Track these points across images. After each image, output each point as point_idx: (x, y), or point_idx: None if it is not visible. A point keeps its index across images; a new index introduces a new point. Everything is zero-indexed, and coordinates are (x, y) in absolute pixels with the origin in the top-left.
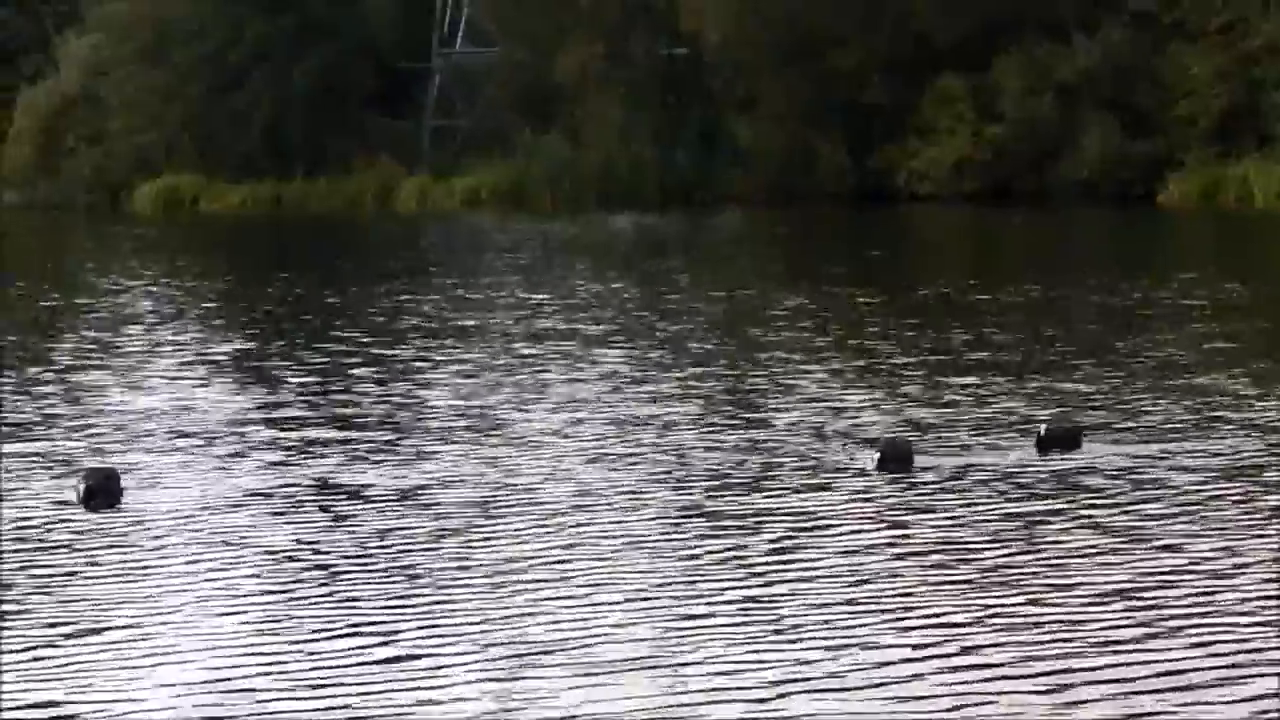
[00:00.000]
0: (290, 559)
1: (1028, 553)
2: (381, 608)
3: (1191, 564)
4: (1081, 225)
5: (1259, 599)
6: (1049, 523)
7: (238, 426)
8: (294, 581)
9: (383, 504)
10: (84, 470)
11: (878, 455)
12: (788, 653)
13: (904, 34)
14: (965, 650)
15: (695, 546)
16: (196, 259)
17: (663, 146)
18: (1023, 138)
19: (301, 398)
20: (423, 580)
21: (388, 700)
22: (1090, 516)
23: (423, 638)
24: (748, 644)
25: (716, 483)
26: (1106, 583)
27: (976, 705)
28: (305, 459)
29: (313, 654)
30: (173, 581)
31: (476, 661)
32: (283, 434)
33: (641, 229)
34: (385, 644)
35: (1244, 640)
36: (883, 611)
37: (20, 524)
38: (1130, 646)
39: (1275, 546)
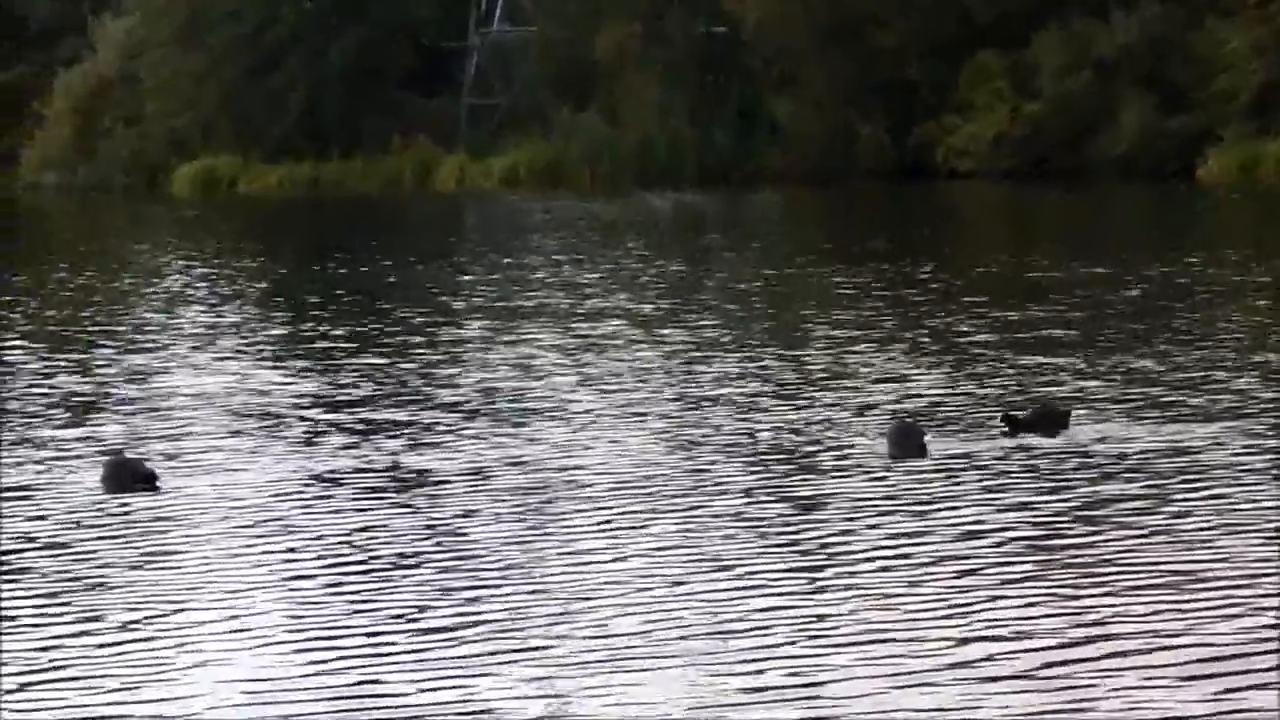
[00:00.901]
0: (347, 546)
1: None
2: (440, 597)
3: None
4: (1121, 201)
5: None
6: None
7: (295, 409)
8: (349, 570)
9: (443, 488)
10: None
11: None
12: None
13: (944, 11)
14: (1059, 646)
15: (761, 530)
16: (240, 240)
17: (701, 125)
18: (1060, 114)
19: (360, 379)
20: (483, 567)
21: (444, 694)
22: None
23: (479, 626)
24: (820, 637)
25: (782, 463)
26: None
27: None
28: (365, 442)
29: (365, 646)
30: (219, 569)
31: (536, 654)
32: (342, 417)
33: (682, 208)
34: (445, 638)
35: None
36: (967, 599)
37: (58, 511)
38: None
39: None
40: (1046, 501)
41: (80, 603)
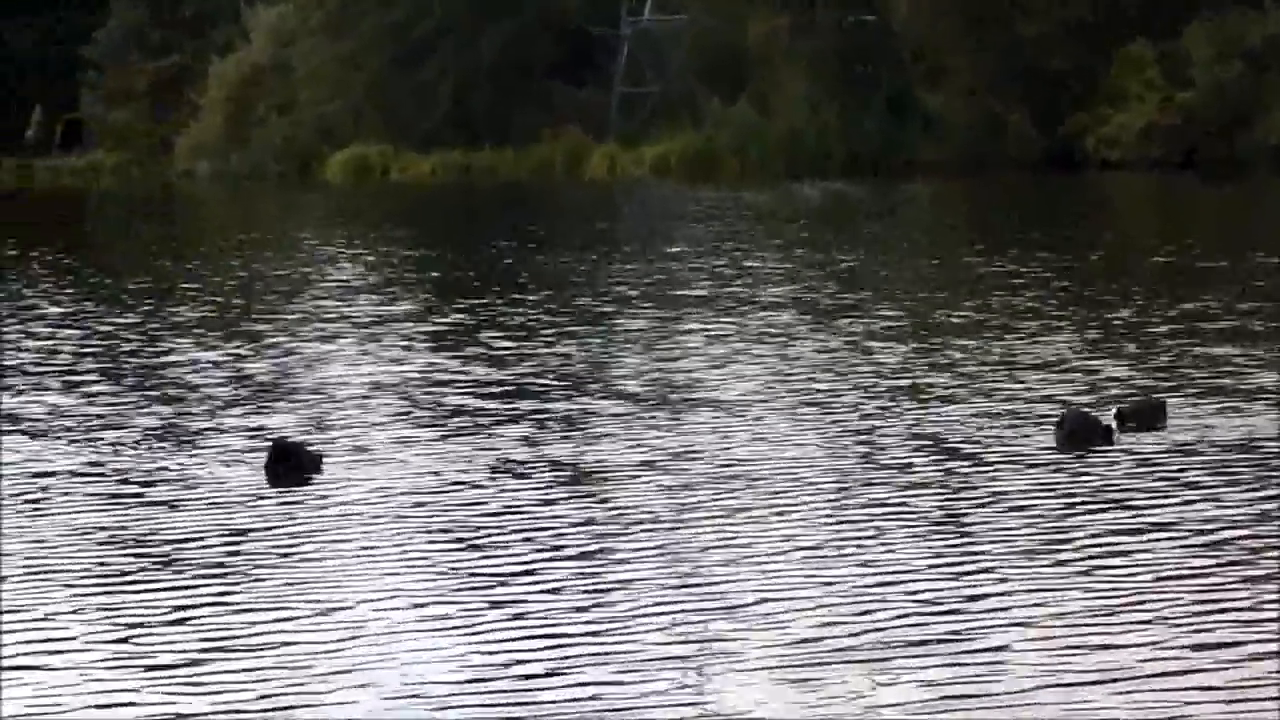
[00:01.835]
0: (507, 538)
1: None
2: (578, 596)
3: None
4: (1277, 192)
5: None
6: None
7: (464, 398)
8: (506, 561)
9: (618, 480)
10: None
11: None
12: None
13: (1093, 0)
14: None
15: (926, 531)
16: (399, 227)
17: (850, 115)
18: (1212, 104)
19: (530, 368)
20: (618, 565)
21: (571, 694)
22: None
23: (614, 627)
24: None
25: (955, 455)
26: None
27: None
28: (536, 432)
29: (495, 646)
30: (378, 560)
31: (666, 656)
32: (512, 406)
33: (832, 198)
34: (574, 638)
35: None
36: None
37: (216, 499)
38: None
39: None
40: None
41: (240, 592)
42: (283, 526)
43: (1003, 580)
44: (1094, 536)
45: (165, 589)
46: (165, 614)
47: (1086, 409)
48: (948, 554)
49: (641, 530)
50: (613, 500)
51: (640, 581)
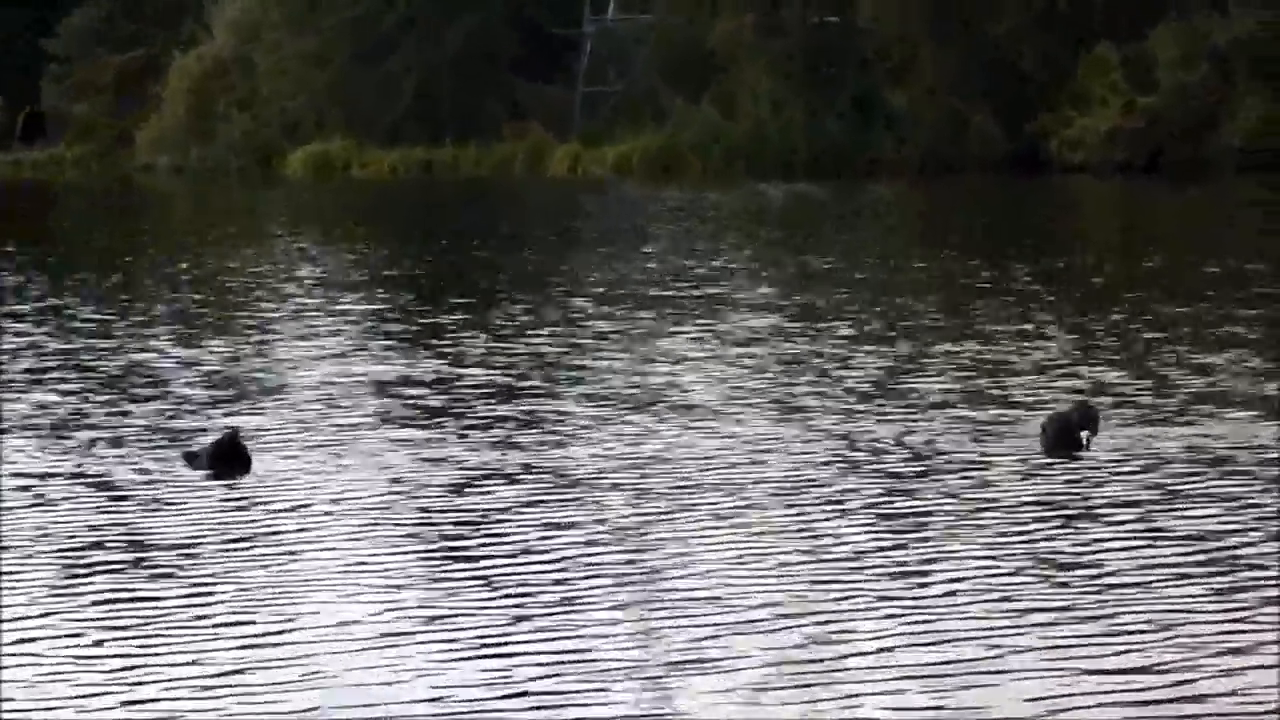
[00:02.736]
0: (466, 546)
1: None
2: (541, 601)
3: None
4: (1241, 196)
5: None
6: None
7: (427, 398)
8: (459, 566)
9: (589, 483)
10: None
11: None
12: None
13: (1060, 1)
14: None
15: (924, 528)
16: (360, 224)
17: (814, 115)
18: (1176, 107)
19: (490, 367)
20: (587, 569)
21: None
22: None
23: (581, 634)
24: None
25: (937, 460)
26: None
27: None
28: (502, 433)
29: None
30: (328, 566)
31: (631, 662)
32: (473, 406)
33: (796, 198)
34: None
35: None
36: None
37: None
38: None
39: None
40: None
41: (193, 595)
42: (242, 525)
43: (986, 587)
44: (1083, 541)
45: (127, 590)
46: (125, 616)
47: (1068, 414)
48: (929, 561)
49: (612, 535)
50: (583, 504)
51: (609, 587)
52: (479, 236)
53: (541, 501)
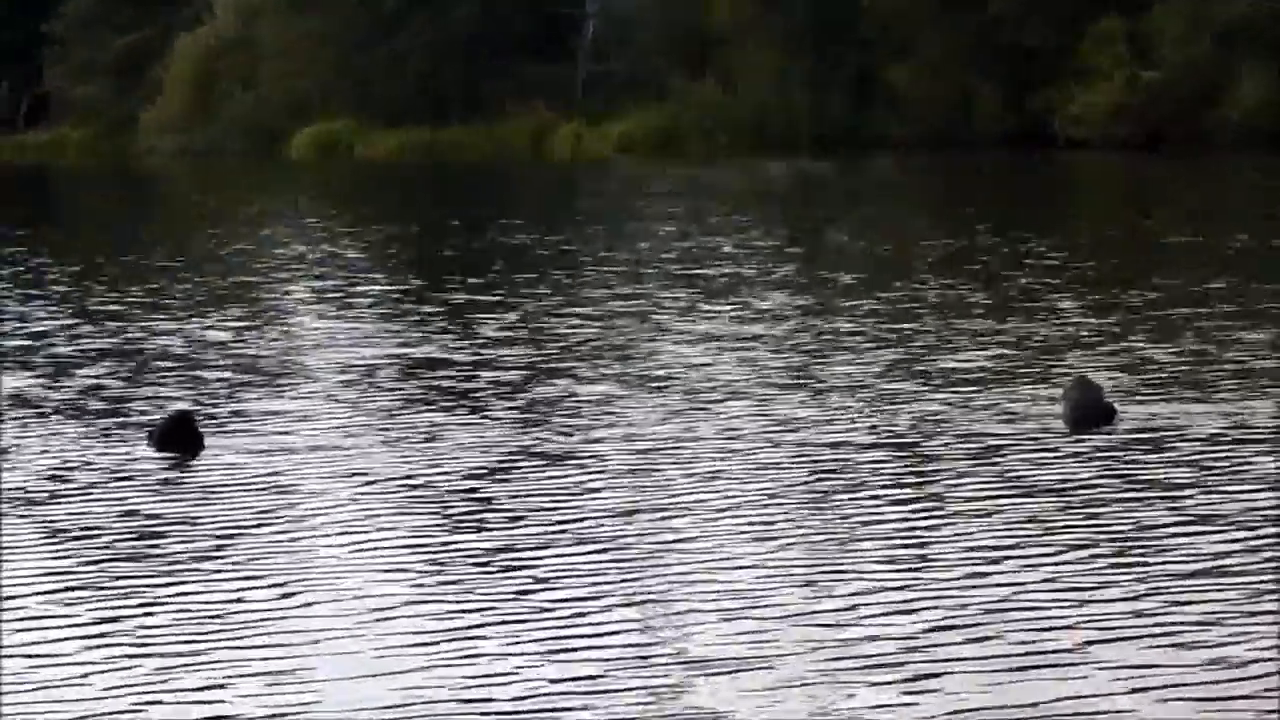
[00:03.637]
0: (475, 530)
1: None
2: (553, 590)
3: None
4: (1253, 172)
5: None
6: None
7: (439, 379)
8: (473, 549)
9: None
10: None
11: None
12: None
13: None
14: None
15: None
16: (369, 204)
17: (817, 91)
18: (1180, 83)
19: (510, 349)
20: (612, 554)
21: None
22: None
23: (577, 624)
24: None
25: (962, 436)
26: None
27: None
28: (516, 415)
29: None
30: (343, 550)
31: (656, 655)
32: (485, 388)
33: (801, 175)
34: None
35: None
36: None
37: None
38: None
39: None
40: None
41: (217, 580)
42: (260, 510)
43: (1024, 568)
44: (1120, 522)
45: (145, 578)
46: (144, 606)
47: (1094, 389)
48: (953, 543)
49: (636, 517)
50: (606, 487)
51: (633, 572)
52: (489, 216)
53: (565, 484)
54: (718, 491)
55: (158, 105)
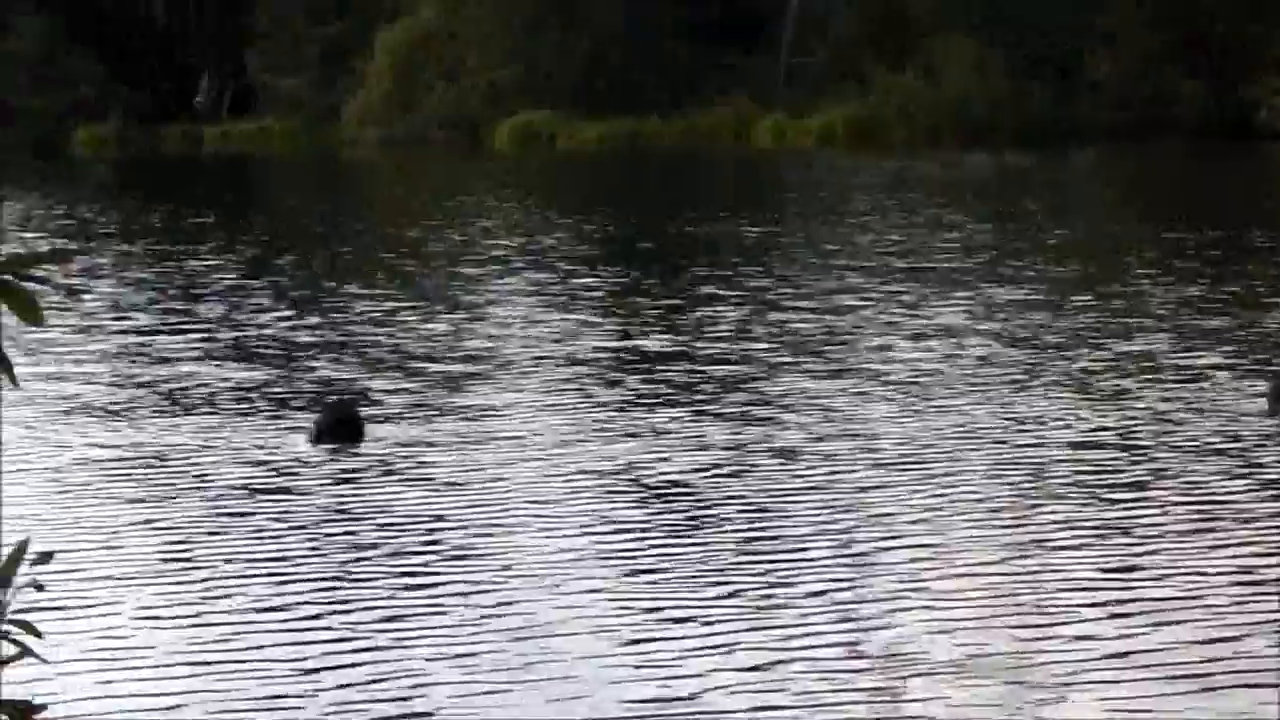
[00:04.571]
0: (677, 527)
1: None
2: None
3: None
4: None
5: None
6: None
7: (642, 371)
8: (645, 546)
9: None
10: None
11: None
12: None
13: None
14: None
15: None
16: (573, 194)
17: (1018, 82)
18: None
19: (738, 340)
20: (812, 554)
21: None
22: None
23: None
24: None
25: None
26: None
27: None
28: (709, 406)
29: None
30: (518, 537)
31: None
32: (687, 379)
33: (1003, 167)
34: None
35: None
36: None
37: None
38: None
39: None
40: None
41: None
42: (459, 504)
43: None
44: None
45: (320, 566)
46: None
47: None
48: (1169, 546)
49: (835, 515)
50: (818, 485)
51: (826, 570)
52: (697, 207)
53: (785, 483)
54: (945, 490)
55: (359, 97)
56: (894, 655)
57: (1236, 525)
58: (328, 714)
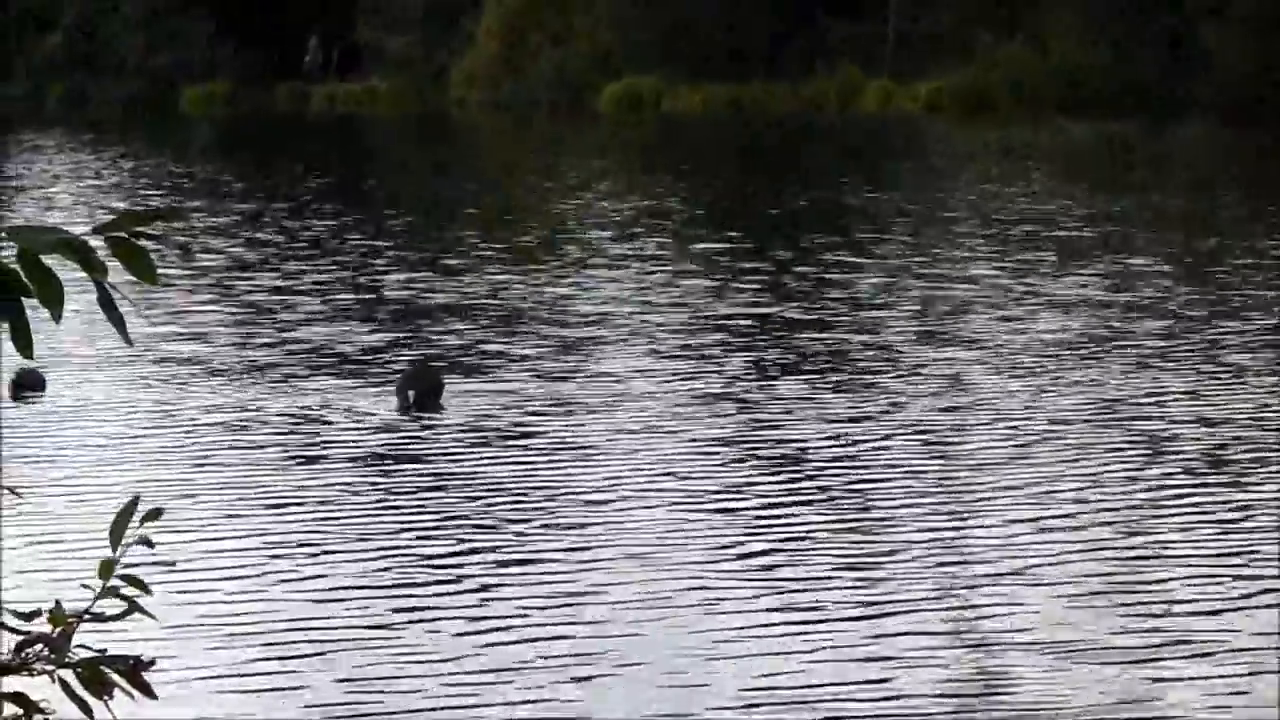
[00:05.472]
0: (779, 506)
1: None
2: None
3: None
4: None
5: None
6: None
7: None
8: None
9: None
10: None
11: None
12: None
13: None
14: None
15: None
16: (681, 159)
17: (1127, 52)
18: None
19: (855, 310)
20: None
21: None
22: None
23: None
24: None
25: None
26: None
27: None
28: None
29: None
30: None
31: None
32: (777, 352)
33: (1108, 137)
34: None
35: None
36: None
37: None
38: None
39: None
40: None
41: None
42: (555, 479)
43: None
44: None
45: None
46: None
47: None
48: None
49: (932, 482)
50: (904, 451)
51: (934, 557)
52: (808, 173)
53: (902, 454)
54: (1068, 466)
55: (468, 58)
56: (1005, 635)
57: None
58: (426, 685)
